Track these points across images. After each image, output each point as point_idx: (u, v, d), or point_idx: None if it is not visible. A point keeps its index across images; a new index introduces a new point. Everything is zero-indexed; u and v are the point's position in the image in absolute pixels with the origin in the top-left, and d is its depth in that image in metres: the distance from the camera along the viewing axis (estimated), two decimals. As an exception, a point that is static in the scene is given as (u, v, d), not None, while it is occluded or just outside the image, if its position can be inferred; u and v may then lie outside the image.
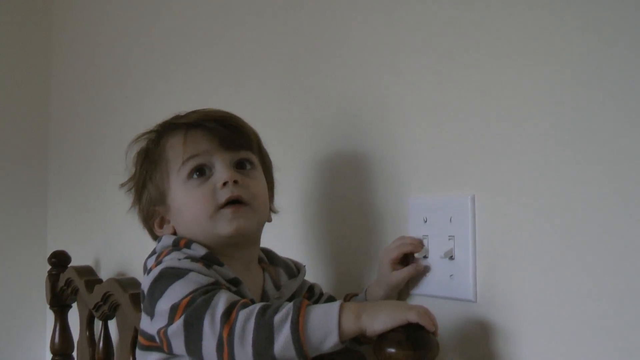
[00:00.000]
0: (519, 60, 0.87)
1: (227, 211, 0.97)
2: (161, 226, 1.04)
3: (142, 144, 1.06)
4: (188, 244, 0.96)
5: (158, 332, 0.88)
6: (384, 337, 0.77)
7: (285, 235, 1.31)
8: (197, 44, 1.67)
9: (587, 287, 0.78)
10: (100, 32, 2.30)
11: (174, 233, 1.02)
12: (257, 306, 0.80)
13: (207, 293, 0.84)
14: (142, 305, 0.95)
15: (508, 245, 0.88)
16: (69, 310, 1.99)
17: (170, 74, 1.80)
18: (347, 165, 1.16)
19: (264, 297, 1.01)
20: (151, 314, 0.90)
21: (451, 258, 0.95)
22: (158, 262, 0.93)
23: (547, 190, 0.83)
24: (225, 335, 0.79)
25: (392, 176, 1.06)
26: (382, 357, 0.77)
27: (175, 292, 0.86)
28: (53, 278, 1.95)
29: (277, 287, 1.04)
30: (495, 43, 0.90)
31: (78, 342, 1.87)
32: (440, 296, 0.97)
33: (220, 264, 0.94)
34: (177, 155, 0.99)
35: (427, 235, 0.99)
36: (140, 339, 0.96)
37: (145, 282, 0.92)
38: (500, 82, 0.89)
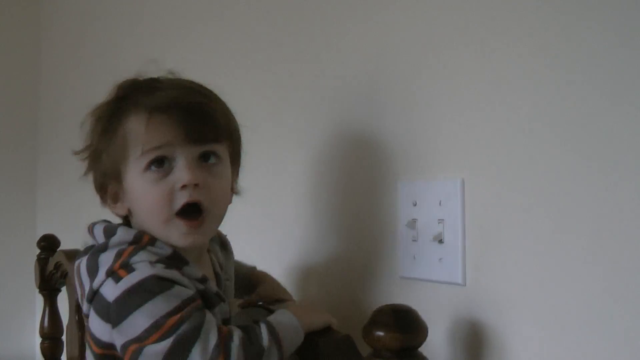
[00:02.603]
0: (510, 44, 0.87)
1: (182, 224, 0.90)
2: (115, 201, 0.95)
3: (100, 112, 0.96)
4: (152, 241, 0.89)
5: (125, 345, 0.83)
6: (372, 321, 0.77)
7: (273, 216, 1.31)
8: (192, 21, 1.65)
9: (577, 270, 0.79)
10: (91, 14, 2.28)
11: (126, 214, 0.95)
12: (240, 335, 0.84)
13: (194, 315, 0.82)
14: (89, 305, 0.88)
15: (497, 229, 0.88)
16: (58, 294, 1.98)
17: (164, 54, 1.78)
18: (336, 149, 1.15)
19: (217, 280, 0.99)
20: (116, 323, 0.84)
21: (440, 241, 0.95)
22: (124, 265, 0.85)
23: (537, 174, 0.83)
24: None
25: (382, 159, 1.06)
26: (371, 340, 0.77)
27: (158, 307, 0.82)
28: (42, 262, 1.94)
29: (220, 266, 1.02)
30: (487, 28, 0.90)
31: (67, 325, 1.86)
32: (430, 280, 0.97)
33: (187, 262, 0.90)
34: (137, 142, 0.90)
35: (416, 219, 0.98)
36: (92, 346, 0.89)
37: (114, 289, 0.84)
38: (490, 66, 0.89)
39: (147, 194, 0.90)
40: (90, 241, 0.94)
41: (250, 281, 1.12)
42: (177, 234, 0.90)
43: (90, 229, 0.94)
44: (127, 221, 0.98)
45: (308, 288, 1.22)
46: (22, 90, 2.70)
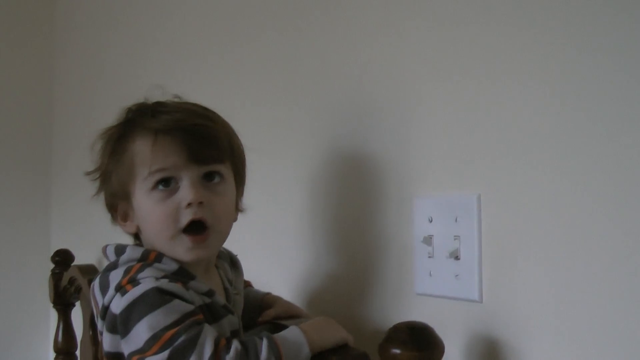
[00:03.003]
0: (526, 58, 0.86)
1: (187, 240, 0.94)
2: (125, 220, 1.01)
3: (109, 134, 1.01)
4: (159, 258, 0.93)
5: (130, 355, 0.86)
6: (388, 338, 0.77)
7: (288, 232, 1.31)
8: (200, 34, 1.66)
9: (596, 287, 0.78)
10: (104, 33, 2.30)
11: (136, 232, 1.00)
12: (238, 348, 0.84)
13: (191, 328, 0.84)
14: (102, 322, 0.92)
15: (514, 245, 0.87)
16: (72, 309, 1.98)
17: (170, 79, 1.79)
18: (352, 164, 1.15)
19: (226, 294, 1.02)
20: (123, 334, 0.87)
21: (457, 258, 0.94)
22: (132, 280, 0.89)
23: (553, 190, 0.82)
24: None
25: (398, 175, 1.05)
26: (387, 357, 0.76)
27: (157, 320, 0.85)
28: (56, 277, 1.95)
29: (229, 282, 1.05)
30: (502, 42, 0.89)
31: (81, 340, 1.86)
32: (446, 296, 0.96)
33: (193, 277, 0.93)
34: (144, 163, 0.95)
35: (432, 235, 0.98)
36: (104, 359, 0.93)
37: (120, 301, 0.88)
38: (507, 80, 0.88)
39: (154, 212, 0.95)
40: (105, 262, 0.98)
41: (263, 304, 1.12)
42: (182, 249, 0.94)
43: (104, 250, 0.99)
44: (137, 239, 1.03)
45: (323, 304, 1.21)
46: (36, 105, 2.72)
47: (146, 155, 0.95)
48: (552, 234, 0.82)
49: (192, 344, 0.83)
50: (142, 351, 0.85)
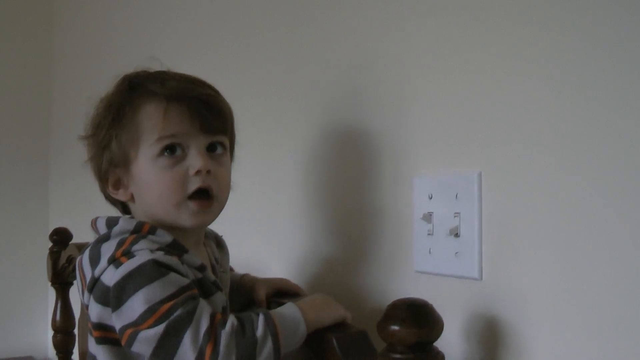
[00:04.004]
0: (532, 36, 0.85)
1: (193, 205, 0.95)
2: (116, 188, 0.99)
3: (112, 99, 0.99)
4: (152, 230, 0.92)
5: (122, 329, 0.85)
6: (387, 315, 0.76)
7: (285, 211, 1.30)
8: (193, 26, 1.65)
9: (597, 266, 0.77)
10: (104, 16, 2.29)
11: (129, 200, 0.99)
12: (234, 323, 0.84)
13: (187, 302, 0.84)
14: (89, 295, 0.90)
15: (515, 223, 0.86)
16: (70, 287, 1.98)
17: (168, 56, 1.78)
18: (351, 140, 1.14)
19: (214, 272, 1.01)
20: (115, 307, 0.86)
21: (456, 235, 0.93)
22: (126, 252, 0.88)
23: (555, 167, 0.81)
24: (208, 352, 0.81)
25: (397, 152, 1.04)
26: (385, 334, 0.75)
27: (154, 293, 0.84)
28: (54, 255, 1.94)
29: (216, 259, 1.05)
30: (505, 18, 0.88)
31: (79, 319, 1.86)
32: (446, 274, 0.95)
33: (186, 251, 0.93)
34: (153, 128, 0.94)
35: (432, 212, 0.97)
36: (93, 332, 0.92)
37: (114, 274, 0.87)
38: (510, 57, 0.87)
39: (159, 179, 0.94)
40: (94, 235, 0.96)
41: (242, 285, 1.11)
42: (187, 215, 0.95)
43: (94, 223, 0.97)
44: (125, 210, 1.02)
45: (322, 282, 1.20)
46: (35, 84, 2.71)
47: (157, 121, 0.94)
48: (553, 212, 0.82)
49: (188, 317, 0.83)
50: (136, 324, 0.84)
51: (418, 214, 0.99)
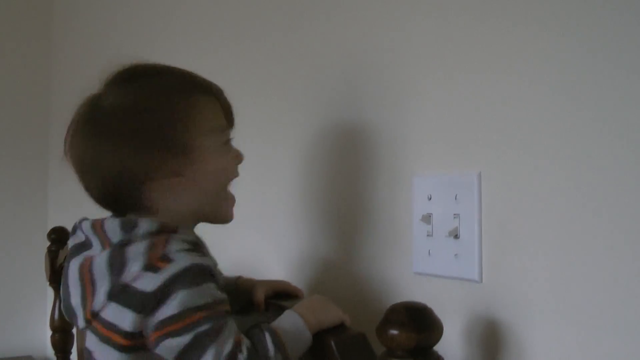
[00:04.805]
0: (530, 36, 0.84)
1: (232, 196, 1.00)
2: (177, 175, 0.93)
3: (167, 87, 0.96)
4: (175, 229, 0.90)
5: (154, 328, 0.84)
6: (386, 319, 0.75)
7: (283, 212, 1.29)
8: (195, 12, 1.64)
9: (597, 268, 0.76)
10: (105, 11, 2.28)
11: (184, 187, 0.94)
12: (248, 346, 0.85)
13: (218, 317, 0.84)
14: (107, 301, 0.86)
15: (515, 224, 0.85)
16: (68, 286, 1.98)
17: (172, 47, 1.77)
18: (350, 141, 1.13)
19: None
20: (152, 310, 0.84)
21: (456, 237, 0.92)
22: (162, 257, 0.85)
23: (555, 168, 0.81)
24: None
25: (397, 152, 1.04)
26: (384, 338, 0.75)
27: (191, 298, 0.83)
28: (52, 254, 1.93)
29: None
30: (505, 17, 0.87)
31: (78, 318, 1.86)
32: (445, 276, 0.94)
33: (206, 248, 0.94)
34: (218, 118, 0.97)
35: (431, 213, 0.96)
36: (116, 338, 0.86)
37: (154, 279, 0.84)
38: (509, 58, 0.86)
39: (229, 165, 0.99)
40: (95, 239, 0.92)
41: (238, 287, 1.09)
42: (227, 205, 0.99)
43: (99, 227, 0.91)
44: (117, 212, 0.97)
45: (320, 283, 1.20)
46: (34, 82, 2.71)
47: (218, 112, 0.98)
48: (553, 214, 0.81)
49: (215, 334, 0.83)
50: (165, 325, 0.83)
51: (417, 215, 0.98)
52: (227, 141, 0.99)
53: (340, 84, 1.16)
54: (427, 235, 0.97)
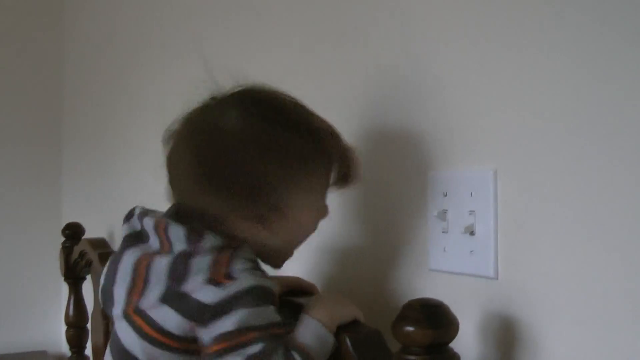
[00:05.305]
0: (546, 33, 0.83)
1: (293, 253, 1.02)
2: (271, 223, 0.93)
3: (293, 142, 0.94)
4: (240, 246, 0.90)
5: (207, 343, 0.85)
6: (401, 316, 0.75)
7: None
8: (209, 9, 1.64)
9: (617, 267, 0.75)
10: (112, 20, 2.29)
11: (269, 235, 0.94)
12: None
13: (271, 340, 0.84)
14: (160, 302, 0.87)
15: (531, 221, 0.85)
16: (83, 282, 1.99)
17: (184, 44, 1.77)
18: (365, 137, 1.13)
19: None
20: (208, 321, 0.84)
21: (471, 233, 0.92)
22: (227, 274, 0.86)
23: (572, 164, 0.80)
24: None
25: (412, 149, 1.03)
26: (400, 335, 0.74)
27: (248, 318, 0.84)
28: (67, 250, 1.95)
29: None
30: (522, 15, 0.86)
31: (92, 313, 1.87)
32: (460, 273, 0.94)
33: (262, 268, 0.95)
34: (327, 179, 0.99)
35: (446, 210, 0.96)
36: (167, 341, 0.87)
37: (216, 293, 0.85)
38: (525, 54, 0.86)
39: (308, 224, 1.00)
40: (154, 239, 0.91)
41: None
42: (285, 259, 1.01)
43: (162, 229, 0.90)
44: (177, 216, 0.94)
45: (335, 280, 1.20)
46: (46, 78, 2.72)
47: (330, 171, 0.99)
48: (569, 210, 0.80)
49: (264, 358, 0.83)
50: (218, 342, 0.84)
51: (432, 212, 0.98)
52: (324, 201, 0.99)
53: (359, 85, 1.15)
54: (443, 232, 0.96)
